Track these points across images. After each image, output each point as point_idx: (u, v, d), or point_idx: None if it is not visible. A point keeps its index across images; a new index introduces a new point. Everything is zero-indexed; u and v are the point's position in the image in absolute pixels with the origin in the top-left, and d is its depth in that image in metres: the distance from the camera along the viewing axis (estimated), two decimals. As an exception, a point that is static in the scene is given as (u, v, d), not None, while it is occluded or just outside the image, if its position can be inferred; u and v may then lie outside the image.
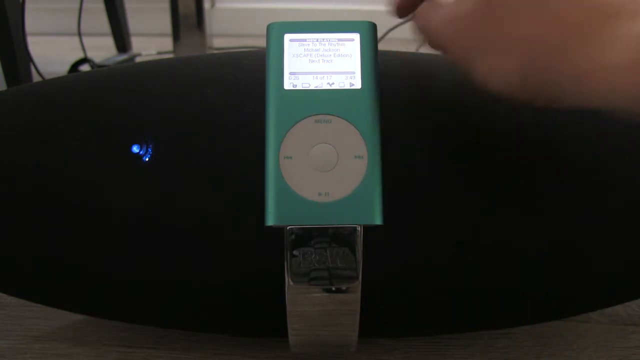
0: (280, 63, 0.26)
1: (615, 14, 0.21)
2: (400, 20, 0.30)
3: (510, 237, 0.31)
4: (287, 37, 0.27)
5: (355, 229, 0.27)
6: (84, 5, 1.06)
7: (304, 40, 0.27)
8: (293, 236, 0.27)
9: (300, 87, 0.26)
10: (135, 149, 0.31)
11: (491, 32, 0.23)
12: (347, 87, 0.26)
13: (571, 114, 0.31)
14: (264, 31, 0.28)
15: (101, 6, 1.18)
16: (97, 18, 1.21)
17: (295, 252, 0.28)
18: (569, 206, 0.31)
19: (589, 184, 0.31)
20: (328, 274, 0.28)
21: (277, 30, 0.27)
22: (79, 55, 1.05)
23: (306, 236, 0.27)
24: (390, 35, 1.32)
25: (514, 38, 0.22)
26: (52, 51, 1.42)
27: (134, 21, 1.31)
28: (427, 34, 0.26)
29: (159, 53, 1.29)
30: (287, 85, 0.26)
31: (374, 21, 0.28)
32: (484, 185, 0.30)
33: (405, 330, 0.37)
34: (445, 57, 0.26)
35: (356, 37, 0.27)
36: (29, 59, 0.82)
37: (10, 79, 0.80)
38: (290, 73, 0.26)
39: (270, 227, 0.25)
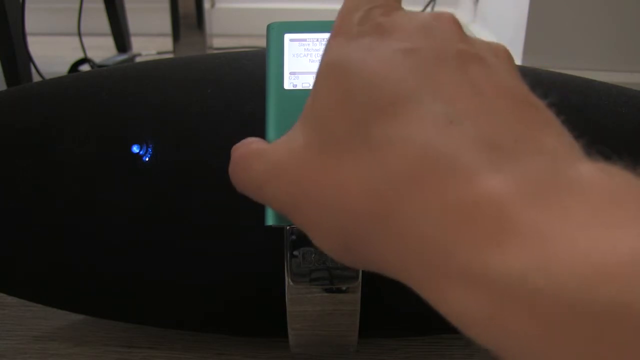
0: (280, 63, 0.26)
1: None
2: None
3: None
4: (287, 37, 0.27)
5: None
6: (84, 5, 1.06)
7: (304, 40, 0.27)
8: (293, 236, 0.27)
9: (300, 87, 0.26)
10: (135, 149, 0.31)
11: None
12: None
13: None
14: (264, 31, 0.28)
15: (101, 6, 1.18)
16: (97, 18, 1.21)
17: (295, 252, 0.28)
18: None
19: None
20: (328, 273, 0.28)
21: (277, 30, 0.27)
22: (79, 55, 1.05)
23: (306, 236, 0.27)
24: (390, 35, 1.32)
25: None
26: (52, 51, 1.42)
27: (134, 21, 1.31)
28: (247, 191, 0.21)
29: (159, 53, 1.29)
30: (287, 85, 0.26)
31: None
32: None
33: (405, 330, 0.37)
34: None
35: None
36: (29, 59, 0.82)
37: (10, 79, 0.80)
38: (291, 73, 0.26)
39: (270, 226, 0.25)
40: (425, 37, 0.18)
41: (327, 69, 0.19)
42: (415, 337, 0.39)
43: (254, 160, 0.21)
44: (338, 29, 0.20)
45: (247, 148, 0.21)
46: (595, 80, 0.36)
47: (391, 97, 0.17)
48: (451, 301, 0.15)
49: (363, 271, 0.28)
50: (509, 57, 0.20)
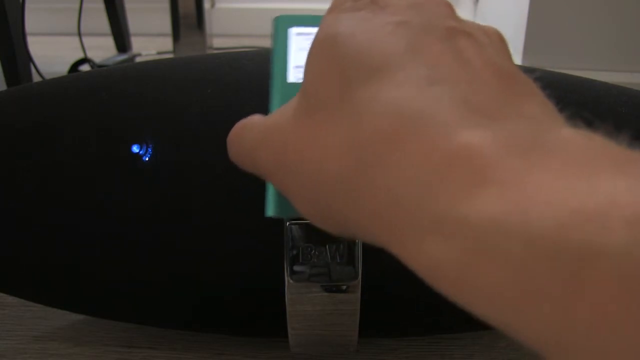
0: (285, 56, 0.26)
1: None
2: None
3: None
4: (293, 30, 0.27)
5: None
6: (84, 5, 1.06)
7: (310, 34, 0.27)
8: (293, 233, 0.27)
9: None
10: (135, 149, 0.31)
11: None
12: None
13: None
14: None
15: (101, 6, 1.18)
16: (97, 18, 1.21)
17: (294, 250, 0.28)
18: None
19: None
20: (328, 271, 0.28)
21: (282, 24, 0.27)
22: (79, 55, 1.05)
23: (306, 233, 0.27)
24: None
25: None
26: (52, 51, 1.42)
27: (134, 21, 1.31)
28: (240, 161, 0.22)
29: (159, 53, 1.29)
30: (292, 78, 0.26)
31: None
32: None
33: (405, 330, 0.37)
34: None
35: None
36: (29, 59, 0.82)
37: (10, 79, 0.80)
38: (295, 67, 0.26)
39: (270, 218, 0.25)
40: (417, 14, 0.19)
41: (319, 40, 0.20)
42: (415, 337, 0.39)
43: (247, 133, 0.21)
44: (333, 5, 0.21)
45: (243, 122, 0.22)
46: (595, 80, 0.36)
47: (377, 63, 0.17)
48: (423, 253, 0.14)
49: (363, 271, 0.28)
50: (501, 39, 0.20)
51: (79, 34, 1.05)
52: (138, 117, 0.32)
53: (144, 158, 0.31)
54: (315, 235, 0.28)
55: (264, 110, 0.26)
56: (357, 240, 0.27)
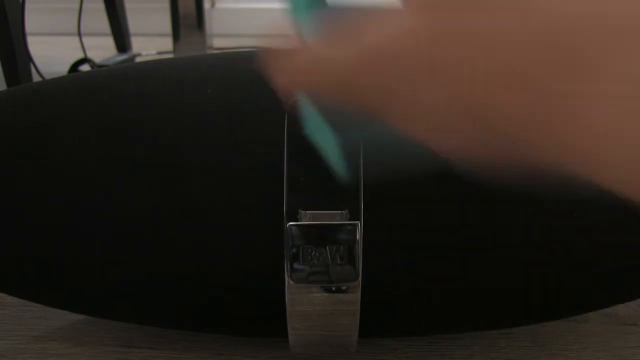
0: None
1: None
2: None
3: (509, 237, 0.31)
4: None
5: (355, 225, 0.27)
6: (84, 5, 1.06)
7: None
8: (293, 234, 0.27)
9: None
10: (135, 148, 0.31)
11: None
12: None
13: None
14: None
15: (101, 6, 1.18)
16: (97, 18, 1.21)
17: (295, 250, 0.28)
18: (567, 205, 0.31)
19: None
20: (328, 272, 0.28)
21: None
22: (79, 55, 1.05)
23: (306, 234, 0.27)
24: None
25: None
26: (52, 51, 1.42)
27: (134, 21, 1.31)
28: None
29: (159, 53, 1.29)
30: None
31: None
32: (481, 185, 0.30)
33: (405, 330, 0.37)
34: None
35: None
36: (29, 59, 0.82)
37: (10, 79, 0.80)
38: None
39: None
40: None
41: None
42: (415, 337, 0.39)
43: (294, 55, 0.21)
44: None
45: (279, 51, 0.22)
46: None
47: None
48: None
49: (363, 271, 0.28)
50: None
51: (79, 34, 1.05)
52: (138, 117, 0.32)
53: (145, 158, 0.31)
54: (315, 236, 0.28)
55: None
56: (357, 242, 0.27)
